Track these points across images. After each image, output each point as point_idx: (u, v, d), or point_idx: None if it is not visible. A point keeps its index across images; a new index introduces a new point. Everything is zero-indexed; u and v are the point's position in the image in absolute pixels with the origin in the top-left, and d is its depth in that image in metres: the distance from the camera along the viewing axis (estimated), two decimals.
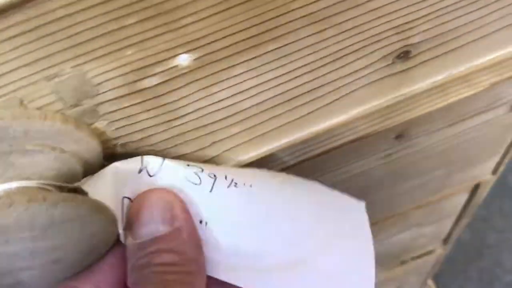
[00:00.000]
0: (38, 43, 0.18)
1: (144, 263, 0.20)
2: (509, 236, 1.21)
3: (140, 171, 0.22)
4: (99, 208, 0.20)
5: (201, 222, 0.23)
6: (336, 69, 0.25)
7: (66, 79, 0.19)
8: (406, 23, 0.24)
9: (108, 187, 0.21)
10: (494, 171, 0.48)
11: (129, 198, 0.22)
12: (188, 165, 0.23)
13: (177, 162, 0.23)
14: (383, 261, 0.70)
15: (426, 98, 0.32)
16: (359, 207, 0.29)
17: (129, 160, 0.22)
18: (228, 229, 0.23)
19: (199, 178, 0.23)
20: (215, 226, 0.23)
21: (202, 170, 0.23)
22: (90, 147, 0.22)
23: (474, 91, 0.33)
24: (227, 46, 0.21)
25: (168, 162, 0.23)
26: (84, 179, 0.22)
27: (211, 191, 0.23)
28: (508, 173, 0.59)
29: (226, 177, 0.24)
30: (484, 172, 0.48)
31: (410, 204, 0.51)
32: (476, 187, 0.52)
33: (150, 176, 0.22)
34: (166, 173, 0.23)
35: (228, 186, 0.24)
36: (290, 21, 0.21)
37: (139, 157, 0.22)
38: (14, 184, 0.20)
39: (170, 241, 0.21)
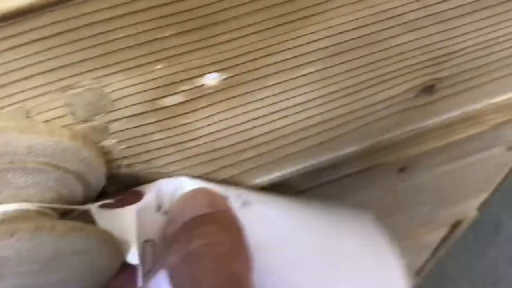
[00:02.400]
0: (61, 49, 0.15)
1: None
2: (470, 266, 1.21)
3: (158, 208, 0.20)
4: (108, 241, 0.17)
5: None
6: (365, 97, 0.24)
7: (83, 92, 0.17)
8: (441, 56, 0.23)
9: (128, 227, 0.18)
10: (480, 208, 0.48)
11: (150, 240, 0.19)
12: None
13: None
14: None
15: (435, 133, 0.31)
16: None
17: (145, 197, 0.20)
18: None
19: None
20: None
21: None
22: (94, 168, 0.20)
23: (479, 130, 0.32)
24: (260, 68, 0.19)
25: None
26: (94, 205, 0.19)
27: None
28: None
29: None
30: (469, 208, 0.48)
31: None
32: (457, 223, 0.52)
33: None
34: None
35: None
36: (332, 45, 0.20)
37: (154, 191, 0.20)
38: (12, 207, 0.18)
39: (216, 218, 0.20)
